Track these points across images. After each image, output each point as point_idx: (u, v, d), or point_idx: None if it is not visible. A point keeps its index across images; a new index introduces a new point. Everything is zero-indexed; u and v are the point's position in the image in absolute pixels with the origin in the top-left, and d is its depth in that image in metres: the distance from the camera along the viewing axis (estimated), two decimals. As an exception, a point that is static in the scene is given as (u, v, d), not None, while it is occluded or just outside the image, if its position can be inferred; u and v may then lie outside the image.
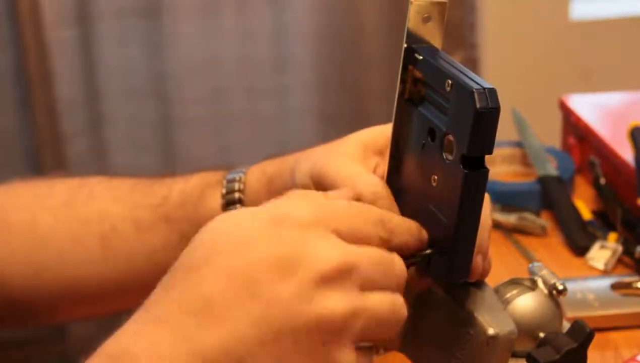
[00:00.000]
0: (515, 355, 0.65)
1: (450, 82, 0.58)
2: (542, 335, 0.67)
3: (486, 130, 0.56)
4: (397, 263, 0.60)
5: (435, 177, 0.60)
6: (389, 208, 0.65)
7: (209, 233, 0.60)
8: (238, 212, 0.62)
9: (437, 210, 0.60)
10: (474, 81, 0.56)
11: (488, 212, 0.65)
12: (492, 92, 0.56)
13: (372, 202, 0.65)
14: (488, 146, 0.57)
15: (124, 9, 1.74)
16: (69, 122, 1.76)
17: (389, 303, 0.59)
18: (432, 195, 0.61)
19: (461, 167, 0.57)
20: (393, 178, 0.66)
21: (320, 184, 0.69)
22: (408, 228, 0.62)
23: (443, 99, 0.59)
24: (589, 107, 1.23)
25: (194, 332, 0.56)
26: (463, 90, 0.56)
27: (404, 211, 0.65)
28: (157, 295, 0.59)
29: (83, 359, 0.58)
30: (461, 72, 0.58)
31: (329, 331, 0.56)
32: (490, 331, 0.61)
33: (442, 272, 0.61)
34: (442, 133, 0.59)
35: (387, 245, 0.60)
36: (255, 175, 0.78)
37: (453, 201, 0.58)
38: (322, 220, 0.58)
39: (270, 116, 1.83)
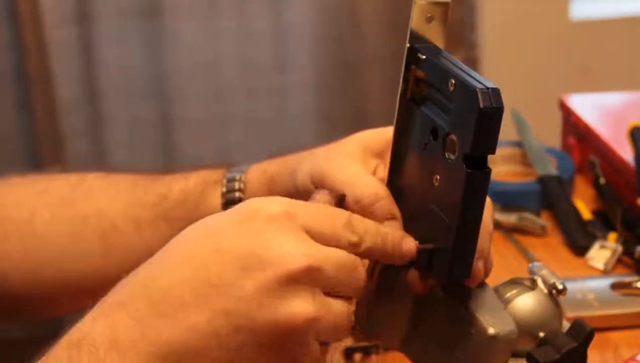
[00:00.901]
0: (515, 354, 0.65)
1: (453, 81, 0.58)
2: (542, 334, 0.67)
3: (489, 130, 0.56)
4: (359, 268, 0.59)
5: (438, 177, 0.60)
6: (389, 210, 0.65)
7: (185, 230, 0.60)
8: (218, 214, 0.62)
9: (438, 210, 0.60)
10: (478, 81, 0.56)
11: (490, 216, 0.65)
12: (496, 92, 0.56)
13: (372, 204, 0.65)
14: (491, 146, 0.57)
15: (124, 9, 1.74)
16: (68, 122, 1.76)
17: (346, 313, 0.58)
18: (434, 194, 0.61)
19: (464, 166, 0.57)
20: (394, 178, 0.66)
21: (320, 185, 0.69)
22: (377, 232, 0.61)
23: (446, 98, 0.59)
24: (589, 107, 1.23)
25: (152, 319, 0.55)
26: (467, 90, 0.56)
27: (406, 211, 0.65)
28: (122, 282, 0.59)
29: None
30: (464, 71, 0.58)
31: (290, 333, 0.56)
32: (491, 331, 0.61)
33: (443, 271, 0.61)
34: (444, 132, 0.59)
35: (356, 250, 0.59)
36: (255, 174, 0.78)
37: (455, 201, 0.58)
38: (292, 215, 0.57)
39: (270, 116, 1.83)
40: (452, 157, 0.58)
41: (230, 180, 0.79)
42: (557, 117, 1.27)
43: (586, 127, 1.17)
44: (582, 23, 1.94)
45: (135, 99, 1.79)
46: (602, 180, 1.09)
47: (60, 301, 0.85)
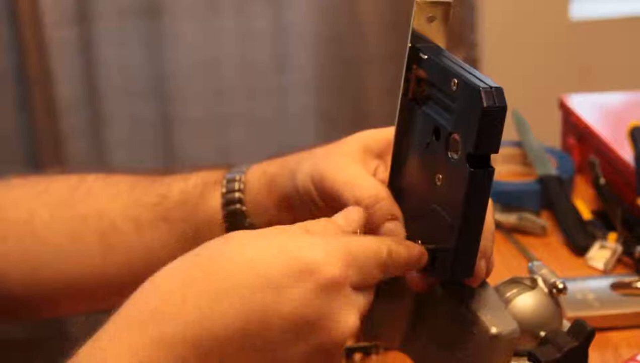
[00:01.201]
0: (516, 353, 0.65)
1: (456, 81, 0.58)
2: (542, 333, 0.67)
3: (493, 129, 0.56)
4: None
5: (440, 176, 0.60)
6: (390, 210, 0.65)
7: (230, 254, 0.58)
8: (262, 243, 0.59)
9: (441, 209, 0.60)
10: (481, 80, 0.56)
11: (492, 216, 0.65)
12: (499, 91, 0.56)
13: (372, 205, 0.65)
14: (494, 145, 0.57)
15: (124, 9, 1.74)
16: (68, 122, 1.76)
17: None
18: (437, 194, 0.61)
19: (467, 165, 0.57)
20: (396, 178, 0.66)
21: (321, 186, 0.69)
22: (406, 260, 0.61)
23: (448, 98, 0.59)
24: (589, 107, 1.23)
25: None
26: (470, 89, 0.56)
27: (407, 211, 0.65)
28: (159, 307, 0.57)
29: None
30: (467, 71, 0.58)
31: None
32: (493, 330, 0.61)
33: (445, 270, 0.61)
34: (447, 132, 0.59)
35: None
36: (255, 175, 0.78)
37: (458, 200, 0.58)
38: (346, 279, 0.57)
39: (270, 116, 1.83)
40: (455, 156, 0.58)
41: (230, 181, 0.78)
42: (557, 117, 1.27)
43: (586, 127, 1.17)
44: (582, 23, 1.94)
45: (135, 99, 1.79)
46: (602, 180, 1.09)
47: (60, 301, 0.84)
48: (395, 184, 0.66)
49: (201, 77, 1.79)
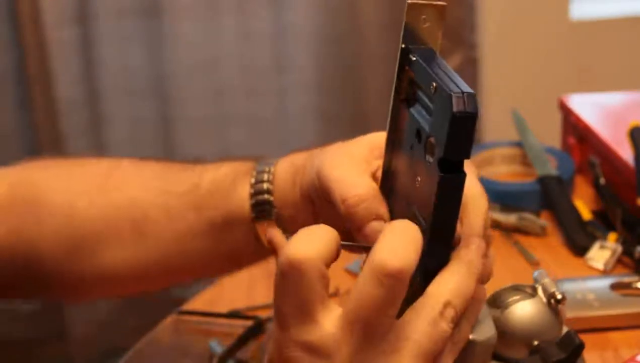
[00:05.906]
0: (506, 360, 0.65)
1: (434, 84, 0.58)
2: (536, 343, 0.67)
3: (463, 135, 0.55)
4: None
5: (419, 179, 0.60)
6: (376, 211, 0.65)
7: None
8: None
9: (418, 212, 0.60)
10: (456, 85, 0.56)
11: (485, 214, 0.64)
12: (471, 97, 0.55)
13: (356, 205, 0.65)
14: (465, 151, 0.56)
15: (124, 9, 1.75)
16: (69, 122, 1.76)
17: None
18: (415, 196, 0.61)
19: (438, 169, 0.57)
20: (387, 178, 0.66)
21: (319, 183, 0.69)
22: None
23: (430, 101, 0.59)
24: (589, 107, 1.23)
25: None
26: (443, 94, 0.56)
27: (395, 212, 0.65)
28: None
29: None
30: (448, 76, 0.57)
31: None
32: (470, 336, 0.61)
33: (420, 275, 0.61)
34: (426, 135, 0.59)
35: None
36: (284, 166, 0.78)
37: (430, 204, 0.58)
38: None
39: (270, 116, 1.83)
40: (431, 160, 0.58)
41: (260, 172, 0.79)
42: (557, 117, 1.27)
43: (586, 127, 1.17)
44: (582, 23, 1.95)
45: (135, 98, 1.80)
46: (602, 180, 1.09)
47: (88, 287, 0.85)
48: (386, 184, 0.66)
49: (201, 77, 1.79)
